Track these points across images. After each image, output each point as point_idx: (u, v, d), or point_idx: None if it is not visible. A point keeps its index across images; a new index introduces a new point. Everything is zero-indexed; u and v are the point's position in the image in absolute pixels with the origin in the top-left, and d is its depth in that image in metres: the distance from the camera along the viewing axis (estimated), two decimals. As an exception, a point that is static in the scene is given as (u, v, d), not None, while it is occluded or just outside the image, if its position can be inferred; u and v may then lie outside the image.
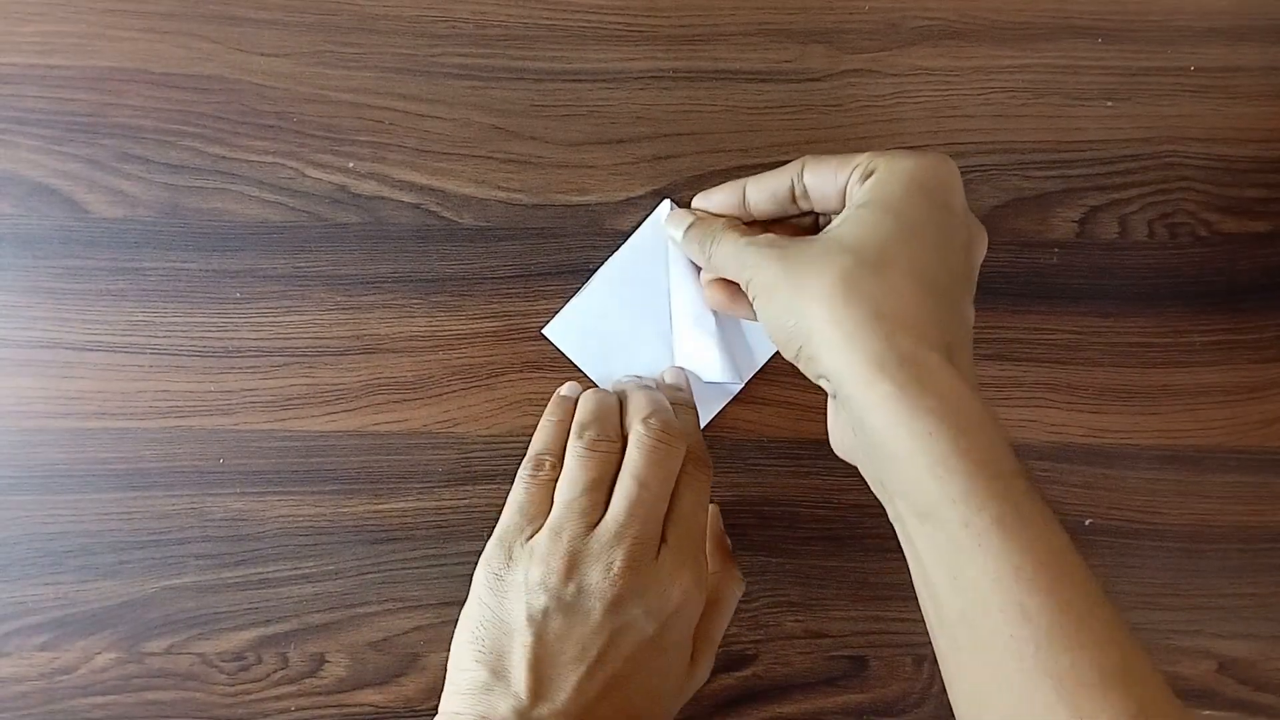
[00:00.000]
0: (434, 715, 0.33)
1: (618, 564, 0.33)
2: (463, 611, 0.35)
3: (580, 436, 0.36)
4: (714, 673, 0.42)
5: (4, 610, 0.42)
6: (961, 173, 0.43)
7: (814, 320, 0.32)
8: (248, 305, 0.43)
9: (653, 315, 0.42)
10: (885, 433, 0.30)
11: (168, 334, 0.42)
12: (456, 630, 0.35)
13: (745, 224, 0.40)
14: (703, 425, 0.42)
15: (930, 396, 0.30)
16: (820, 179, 0.36)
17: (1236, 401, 0.43)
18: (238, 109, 0.43)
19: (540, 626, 0.33)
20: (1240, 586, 0.43)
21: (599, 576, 0.33)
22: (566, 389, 0.40)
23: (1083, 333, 0.43)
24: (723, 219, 0.39)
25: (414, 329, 0.43)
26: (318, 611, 0.43)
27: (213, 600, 0.42)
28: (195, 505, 0.42)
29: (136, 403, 0.42)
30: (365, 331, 0.43)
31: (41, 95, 0.43)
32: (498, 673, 0.33)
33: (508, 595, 0.34)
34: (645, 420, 0.36)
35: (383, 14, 0.43)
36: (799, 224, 0.40)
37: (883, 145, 0.43)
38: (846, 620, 0.43)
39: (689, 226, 0.40)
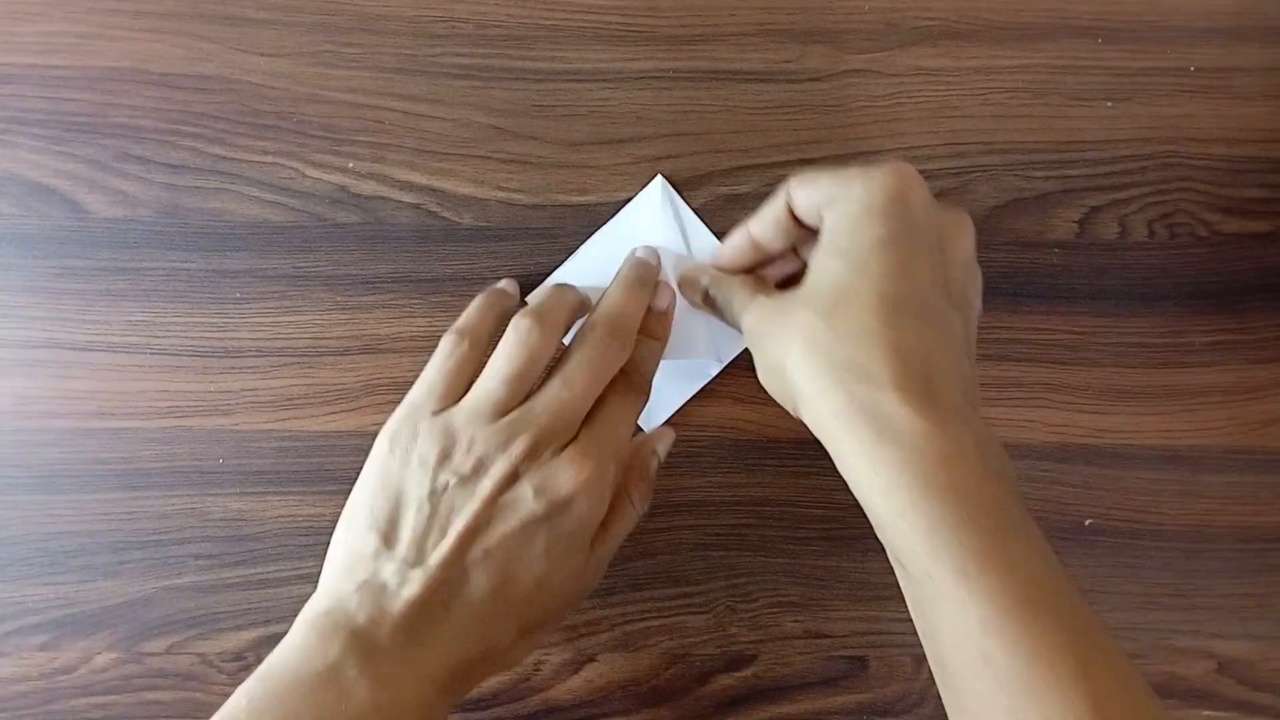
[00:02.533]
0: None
1: (518, 447, 0.34)
2: (360, 476, 0.36)
3: (517, 325, 0.36)
4: (714, 673, 0.42)
5: (4, 610, 0.42)
6: (961, 173, 0.43)
7: (789, 378, 0.32)
8: (248, 305, 0.43)
9: None
10: (854, 484, 0.31)
11: (168, 334, 0.42)
12: (351, 495, 0.35)
13: (770, 265, 0.39)
14: (679, 405, 0.42)
15: (888, 446, 0.29)
16: (804, 201, 0.35)
17: (1236, 402, 0.43)
18: (238, 109, 0.43)
19: (436, 499, 0.34)
20: (1240, 586, 0.43)
21: (498, 455, 0.34)
22: (506, 284, 0.40)
23: (1083, 333, 0.43)
24: (739, 276, 0.39)
25: (414, 329, 0.43)
26: (318, 611, 0.43)
27: (213, 600, 0.42)
28: (195, 505, 0.42)
29: (136, 403, 0.42)
30: (365, 331, 0.43)
31: (41, 95, 0.43)
32: (388, 539, 0.34)
33: (409, 467, 0.34)
34: (593, 326, 0.36)
35: (383, 14, 0.43)
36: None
37: (882, 145, 0.43)
38: (846, 620, 0.43)
39: (708, 289, 0.39)
